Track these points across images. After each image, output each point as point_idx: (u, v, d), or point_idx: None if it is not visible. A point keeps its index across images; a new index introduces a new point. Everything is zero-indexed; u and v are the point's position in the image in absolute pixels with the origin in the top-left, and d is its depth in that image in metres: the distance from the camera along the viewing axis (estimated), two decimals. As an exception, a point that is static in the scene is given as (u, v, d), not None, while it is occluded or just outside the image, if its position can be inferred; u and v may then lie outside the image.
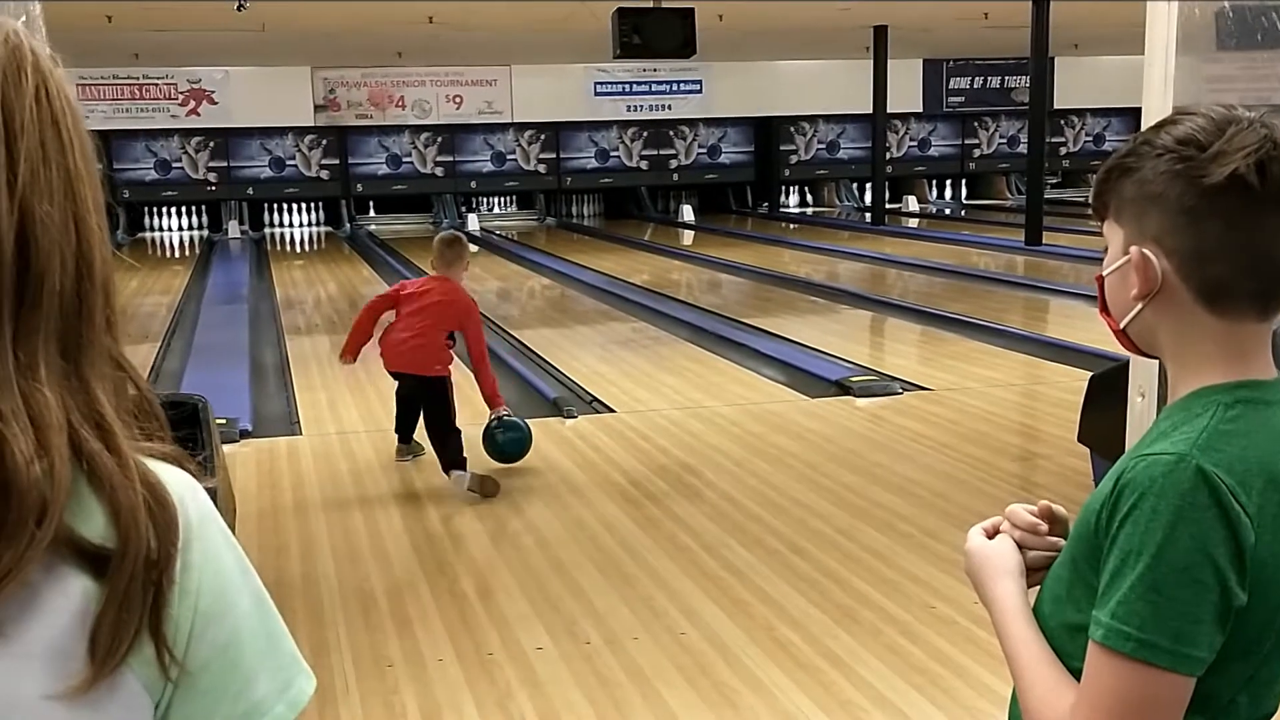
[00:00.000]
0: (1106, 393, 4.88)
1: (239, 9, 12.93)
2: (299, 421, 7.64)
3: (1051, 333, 10.22)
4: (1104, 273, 1.36)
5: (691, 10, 12.53)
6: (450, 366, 6.15)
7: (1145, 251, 1.29)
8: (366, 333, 6.31)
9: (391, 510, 5.80)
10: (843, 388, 8.10)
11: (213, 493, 0.94)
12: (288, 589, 4.72)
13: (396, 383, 6.40)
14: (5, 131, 0.84)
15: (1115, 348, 1.43)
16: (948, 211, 23.76)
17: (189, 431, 4.02)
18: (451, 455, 5.98)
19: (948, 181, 25.14)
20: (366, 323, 6.34)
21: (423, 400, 6.17)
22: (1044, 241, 15.91)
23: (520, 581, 4.83)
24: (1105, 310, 1.38)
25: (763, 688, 3.85)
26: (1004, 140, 24.57)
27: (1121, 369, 4.46)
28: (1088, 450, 5.50)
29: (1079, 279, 12.74)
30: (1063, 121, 24.11)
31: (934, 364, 9.14)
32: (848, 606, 4.48)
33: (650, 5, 12.38)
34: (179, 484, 0.89)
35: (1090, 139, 24.80)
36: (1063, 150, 24.58)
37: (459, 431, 6.05)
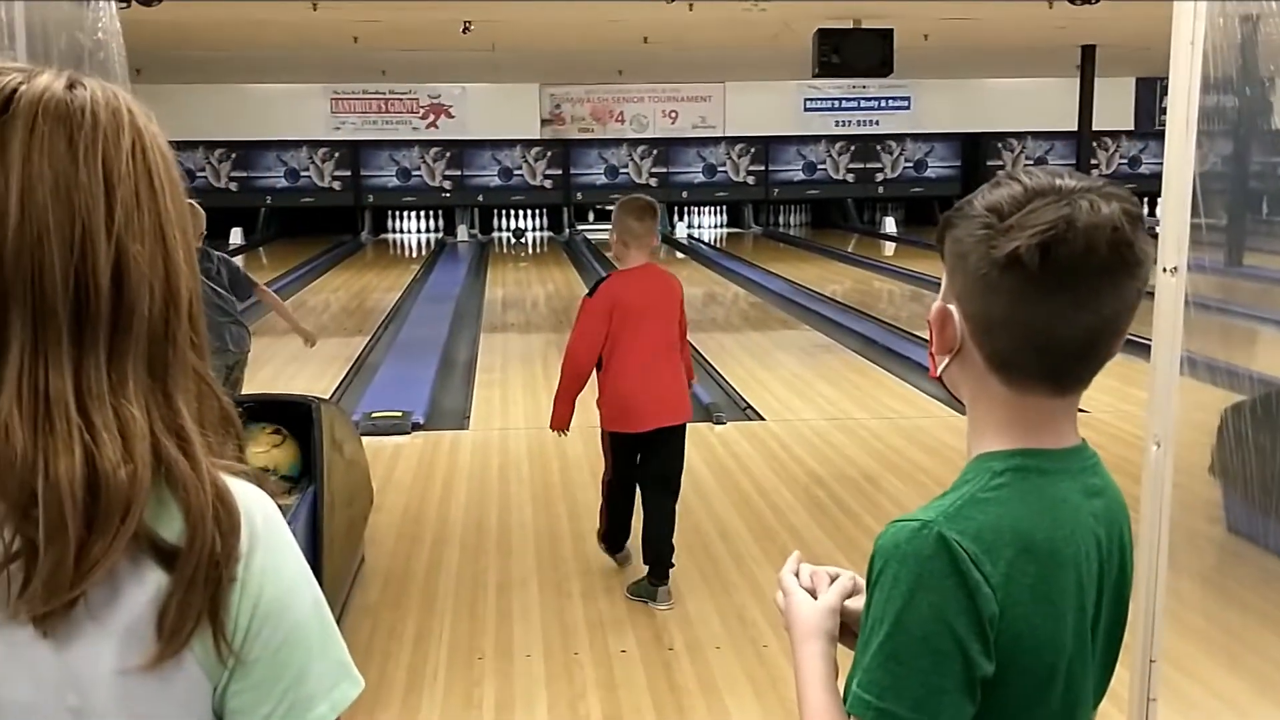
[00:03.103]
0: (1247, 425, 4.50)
1: (464, 30, 13.35)
2: (469, 416, 7.78)
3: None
4: (929, 316, 1.26)
5: (890, 31, 12.23)
6: None
7: (950, 309, 1.20)
8: (582, 387, 4.59)
9: (525, 507, 5.84)
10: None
11: (285, 509, 1.01)
12: (410, 579, 4.78)
13: (615, 458, 4.68)
14: (105, 183, 0.92)
15: None
16: (1156, 229, 22.55)
17: (303, 430, 4.12)
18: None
19: (1158, 200, 23.82)
20: (584, 373, 4.54)
21: (675, 452, 4.64)
22: (1244, 263, 14.89)
23: (626, 584, 4.77)
24: (930, 353, 1.28)
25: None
26: (1218, 159, 23.14)
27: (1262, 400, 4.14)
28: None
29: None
30: None
31: (1128, 381, 8.65)
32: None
33: (851, 26, 12.15)
34: (249, 497, 0.96)
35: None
36: (1282, 169, 23.01)
37: None
